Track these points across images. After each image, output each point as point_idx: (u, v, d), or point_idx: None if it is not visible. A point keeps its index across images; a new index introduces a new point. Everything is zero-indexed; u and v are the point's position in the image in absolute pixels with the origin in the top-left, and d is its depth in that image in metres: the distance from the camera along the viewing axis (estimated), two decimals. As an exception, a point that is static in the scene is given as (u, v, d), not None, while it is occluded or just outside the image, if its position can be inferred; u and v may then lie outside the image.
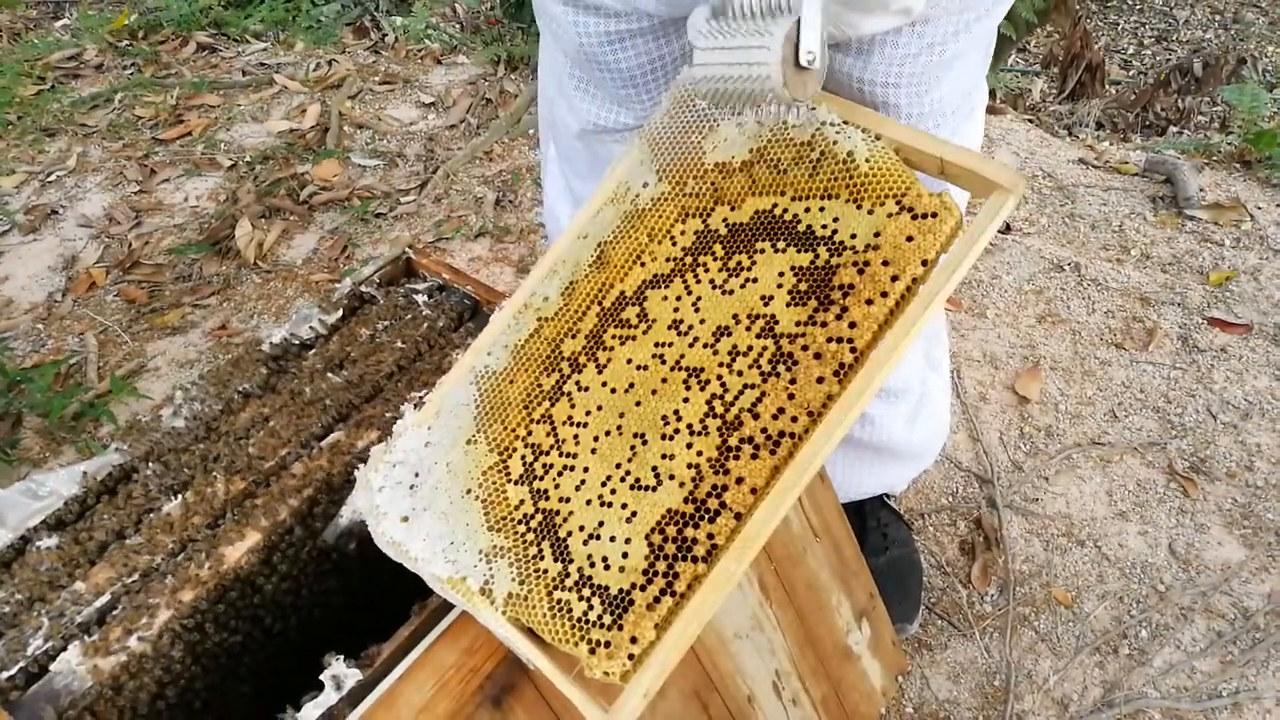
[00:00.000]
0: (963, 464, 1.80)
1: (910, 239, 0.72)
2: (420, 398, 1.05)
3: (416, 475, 0.85)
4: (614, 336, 0.81)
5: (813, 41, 0.73)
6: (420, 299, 1.23)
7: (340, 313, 1.21)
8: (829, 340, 0.72)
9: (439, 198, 2.58)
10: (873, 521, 1.57)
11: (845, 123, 0.78)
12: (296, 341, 1.18)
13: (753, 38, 0.72)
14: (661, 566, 0.70)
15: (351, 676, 0.81)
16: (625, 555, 0.72)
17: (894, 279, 0.72)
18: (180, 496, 1.00)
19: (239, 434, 1.07)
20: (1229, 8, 4.92)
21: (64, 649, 0.88)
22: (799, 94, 0.76)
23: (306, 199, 2.56)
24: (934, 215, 0.72)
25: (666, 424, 0.75)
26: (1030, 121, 3.07)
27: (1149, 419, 1.85)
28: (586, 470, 0.77)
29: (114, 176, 2.69)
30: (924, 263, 0.72)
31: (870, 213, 0.74)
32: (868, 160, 0.75)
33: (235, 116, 2.95)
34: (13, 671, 0.86)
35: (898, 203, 0.74)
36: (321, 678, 0.81)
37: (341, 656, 0.82)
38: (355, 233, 2.46)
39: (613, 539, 0.73)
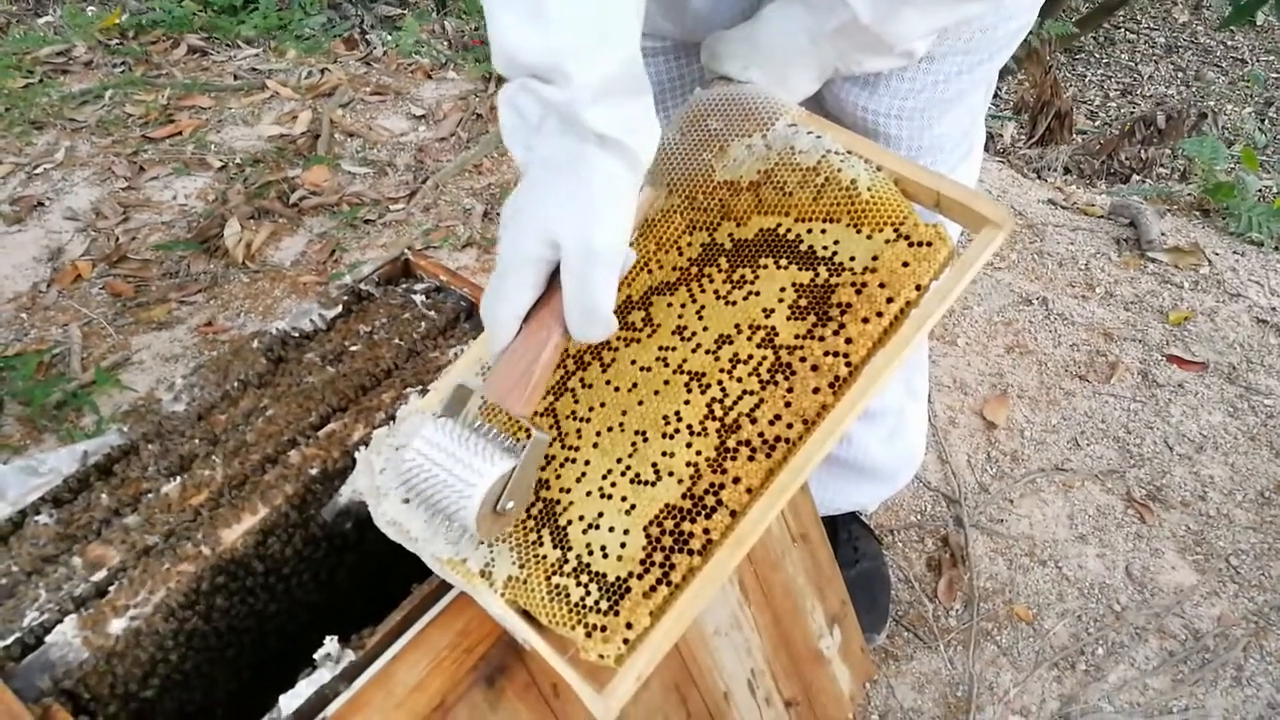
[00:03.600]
0: (932, 484, 1.85)
1: (906, 265, 0.76)
2: (420, 390, 1.07)
3: None
4: (619, 337, 0.84)
5: (517, 494, 0.72)
6: (418, 299, 1.26)
7: (340, 309, 1.23)
8: (826, 354, 0.75)
9: (428, 207, 2.61)
10: (844, 535, 1.62)
11: (849, 152, 0.81)
12: (296, 334, 1.20)
13: (468, 465, 0.70)
14: (658, 557, 0.73)
15: (345, 657, 0.83)
16: (623, 545, 0.74)
17: (889, 301, 0.75)
18: (178, 479, 1.02)
19: (238, 421, 1.09)
20: (1191, 66, 5.09)
21: (60, 621, 0.89)
22: (487, 534, 0.73)
23: (296, 202, 2.57)
24: (929, 244, 0.76)
25: (667, 423, 0.78)
26: (1002, 162, 3.17)
27: (1109, 448, 1.92)
28: (588, 463, 0.79)
29: (102, 172, 2.69)
30: (918, 287, 0.75)
31: (869, 238, 0.78)
32: (869, 189, 0.79)
33: (226, 119, 2.96)
34: (9, 641, 0.86)
35: (895, 230, 0.77)
36: (315, 656, 0.83)
37: (336, 638, 0.84)
38: (344, 238, 2.48)
39: (611, 529, 0.75)
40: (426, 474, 0.71)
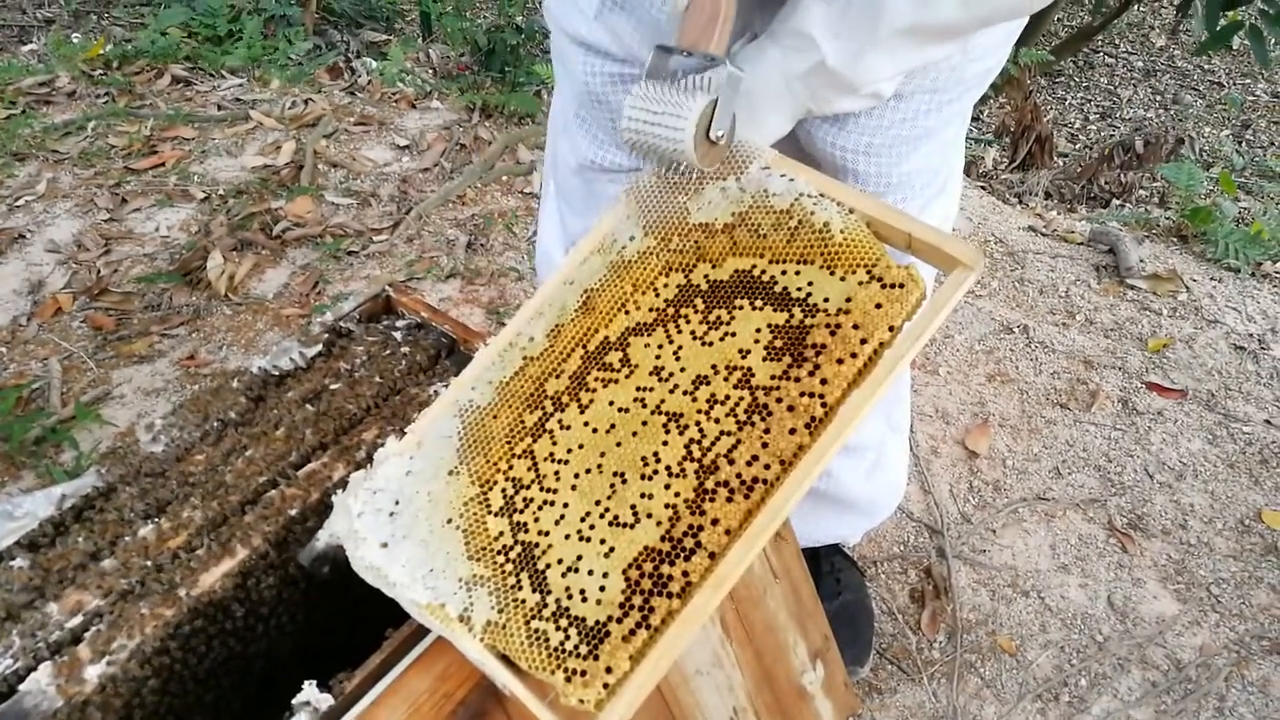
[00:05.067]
0: (914, 514, 1.85)
1: (879, 306, 0.77)
2: (399, 430, 1.07)
3: (397, 503, 0.87)
4: (597, 379, 0.84)
5: (723, 123, 0.81)
6: (399, 336, 1.26)
7: (320, 346, 1.23)
8: (801, 394, 0.76)
9: (411, 238, 2.61)
10: (826, 567, 1.61)
11: (822, 195, 0.83)
12: (276, 373, 1.20)
13: (674, 106, 0.80)
14: (638, 601, 0.73)
15: (324, 702, 0.83)
16: (603, 589, 0.74)
17: (863, 342, 0.76)
18: (156, 521, 1.01)
19: (217, 461, 1.08)
20: (1169, 89, 5.17)
21: (34, 669, 0.88)
22: (707, 164, 0.83)
23: (279, 234, 2.57)
24: (901, 286, 0.77)
25: (646, 465, 0.78)
26: (983, 188, 3.20)
27: (1090, 477, 1.93)
28: (566, 506, 0.79)
29: (84, 204, 2.67)
30: (890, 328, 0.77)
31: (842, 279, 0.79)
32: (842, 231, 0.80)
33: (210, 150, 2.96)
34: (-18, 690, 0.86)
35: (868, 272, 0.79)
36: (294, 702, 0.82)
37: (315, 683, 0.83)
38: (327, 269, 2.48)
39: (590, 573, 0.75)
40: (640, 126, 0.81)
